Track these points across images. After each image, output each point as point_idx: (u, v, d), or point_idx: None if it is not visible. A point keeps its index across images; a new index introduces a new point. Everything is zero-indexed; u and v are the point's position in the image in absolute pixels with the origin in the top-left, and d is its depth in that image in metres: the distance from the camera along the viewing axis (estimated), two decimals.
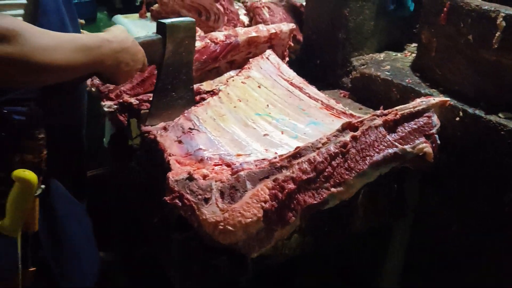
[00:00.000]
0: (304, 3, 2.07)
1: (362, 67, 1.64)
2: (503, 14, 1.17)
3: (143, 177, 1.51)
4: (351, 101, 1.63)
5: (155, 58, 1.25)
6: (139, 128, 1.42)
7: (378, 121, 0.99)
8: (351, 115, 1.40)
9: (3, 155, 0.88)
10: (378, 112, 1.01)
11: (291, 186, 0.95)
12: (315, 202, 0.95)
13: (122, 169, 1.62)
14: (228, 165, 1.07)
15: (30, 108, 0.88)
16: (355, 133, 0.98)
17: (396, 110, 1.00)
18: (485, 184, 1.24)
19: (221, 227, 0.95)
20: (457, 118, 1.26)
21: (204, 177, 1.02)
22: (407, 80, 1.45)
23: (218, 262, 1.07)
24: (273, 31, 1.64)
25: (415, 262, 1.48)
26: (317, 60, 1.78)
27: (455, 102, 1.29)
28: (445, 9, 1.32)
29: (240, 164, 1.03)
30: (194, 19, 1.36)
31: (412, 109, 0.99)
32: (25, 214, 0.94)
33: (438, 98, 1.02)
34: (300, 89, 1.54)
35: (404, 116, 0.99)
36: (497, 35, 1.18)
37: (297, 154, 0.99)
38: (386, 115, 1.00)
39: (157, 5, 2.28)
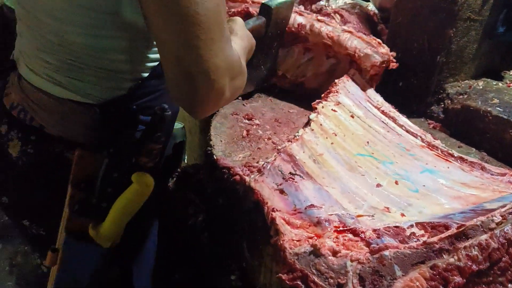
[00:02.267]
0: (376, 12, 1.84)
1: (461, 97, 1.41)
2: None
3: (209, 219, 1.27)
4: (445, 136, 1.41)
5: (256, 39, 1.13)
6: (209, 157, 1.19)
7: None
8: (461, 158, 1.18)
9: (121, 156, 0.85)
10: None
11: (458, 279, 0.73)
12: None
13: (176, 199, 1.38)
14: (355, 233, 0.84)
15: (161, 109, 0.83)
16: None
17: None
18: None
19: None
20: None
21: (335, 253, 0.79)
22: None
23: None
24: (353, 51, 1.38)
25: None
26: (400, 83, 1.55)
27: None
28: None
29: (379, 238, 0.80)
30: None
31: None
32: (126, 222, 0.85)
33: None
34: (394, 120, 1.32)
35: None
36: None
37: (461, 234, 0.76)
38: None
39: None
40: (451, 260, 0.74)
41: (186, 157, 1.48)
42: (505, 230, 0.75)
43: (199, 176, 1.39)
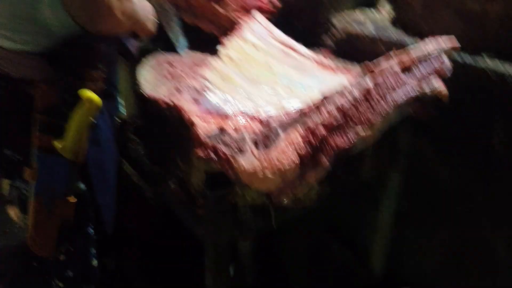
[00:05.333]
0: None
1: (344, 26, 1.70)
2: None
3: (146, 148, 1.50)
4: (333, 58, 1.70)
5: None
6: (138, 94, 1.40)
7: (393, 62, 1.05)
8: (345, 69, 1.47)
9: (70, 80, 1.11)
10: (391, 53, 1.07)
11: (322, 131, 1.00)
12: (347, 146, 1.01)
13: None
14: (252, 119, 1.10)
15: (96, 42, 1.11)
16: (376, 78, 1.05)
17: (409, 51, 1.07)
18: (475, 128, 1.36)
19: (260, 175, 0.98)
20: None
21: (236, 130, 1.04)
22: (392, 35, 1.54)
23: (245, 217, 1.12)
24: None
25: (407, 211, 1.60)
26: (296, 22, 1.82)
27: None
28: None
29: (269, 116, 1.06)
30: None
31: (423, 51, 1.07)
32: (82, 136, 1.12)
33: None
34: (293, 49, 1.59)
35: (418, 58, 1.06)
36: None
37: (324, 102, 1.04)
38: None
39: None
40: (317, 119, 1.02)
41: (124, 110, 1.69)
42: (353, 94, 1.03)
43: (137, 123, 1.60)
